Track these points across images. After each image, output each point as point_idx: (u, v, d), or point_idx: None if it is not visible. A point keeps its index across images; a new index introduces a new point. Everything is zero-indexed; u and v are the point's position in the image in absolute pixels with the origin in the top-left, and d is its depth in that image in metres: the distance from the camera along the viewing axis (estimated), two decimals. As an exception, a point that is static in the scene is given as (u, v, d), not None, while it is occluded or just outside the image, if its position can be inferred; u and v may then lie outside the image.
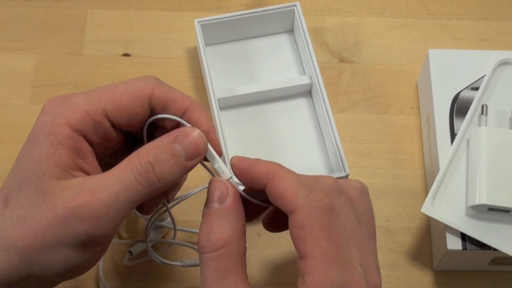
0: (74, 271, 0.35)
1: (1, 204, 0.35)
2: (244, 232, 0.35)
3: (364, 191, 0.37)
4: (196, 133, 0.35)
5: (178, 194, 0.44)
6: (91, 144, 0.36)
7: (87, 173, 0.36)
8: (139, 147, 0.38)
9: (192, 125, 0.37)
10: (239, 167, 0.36)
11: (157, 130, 0.40)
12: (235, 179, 0.36)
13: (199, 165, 0.38)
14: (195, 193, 0.47)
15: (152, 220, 0.44)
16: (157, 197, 0.40)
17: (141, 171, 0.34)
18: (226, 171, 0.36)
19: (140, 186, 0.34)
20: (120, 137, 0.38)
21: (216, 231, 0.34)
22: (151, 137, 0.39)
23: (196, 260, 0.48)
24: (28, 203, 0.34)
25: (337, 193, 0.35)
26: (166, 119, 0.37)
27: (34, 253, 0.33)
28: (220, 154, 0.37)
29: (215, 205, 0.35)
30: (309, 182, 0.35)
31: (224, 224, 0.34)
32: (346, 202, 0.36)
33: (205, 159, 0.37)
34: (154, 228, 0.50)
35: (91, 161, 0.36)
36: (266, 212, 0.39)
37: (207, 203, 0.35)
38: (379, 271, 0.36)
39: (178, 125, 0.37)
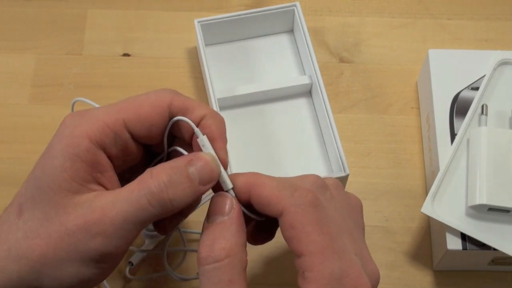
0: (83, 285, 0.35)
1: (15, 213, 0.34)
2: (245, 245, 0.35)
3: (339, 185, 0.38)
4: (211, 158, 0.35)
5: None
6: (109, 157, 0.36)
7: (105, 187, 0.36)
8: (156, 163, 0.38)
9: (204, 131, 0.36)
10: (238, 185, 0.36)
11: (175, 140, 0.39)
12: (232, 193, 0.36)
13: None
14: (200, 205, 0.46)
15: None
16: (176, 218, 0.40)
17: (153, 191, 0.33)
18: (228, 182, 0.36)
19: (151, 207, 0.33)
20: (140, 151, 0.38)
21: (220, 242, 0.33)
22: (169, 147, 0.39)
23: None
24: (42, 215, 0.34)
25: (321, 188, 0.36)
26: (183, 128, 0.37)
27: (45, 266, 0.33)
28: (225, 165, 0.37)
29: (219, 218, 0.34)
30: (291, 183, 0.35)
31: (228, 235, 0.34)
32: (332, 196, 0.36)
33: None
34: (149, 237, 0.50)
35: (110, 175, 0.36)
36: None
37: (210, 216, 0.35)
38: (373, 261, 0.36)
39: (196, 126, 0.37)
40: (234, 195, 0.36)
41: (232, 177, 0.36)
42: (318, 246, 0.33)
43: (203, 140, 0.36)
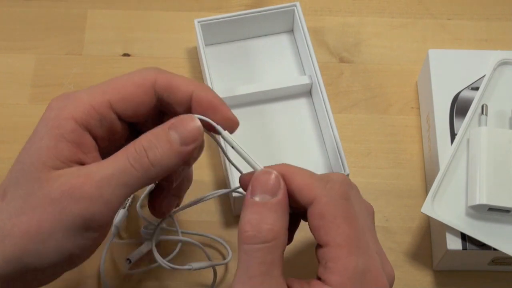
0: (68, 261, 0.35)
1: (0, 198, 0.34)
2: (287, 229, 0.34)
3: (358, 188, 0.38)
4: (191, 118, 0.36)
5: (185, 201, 0.44)
6: (95, 138, 0.36)
7: None
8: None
9: (201, 103, 0.37)
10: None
11: (165, 117, 0.39)
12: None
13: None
14: (203, 201, 0.46)
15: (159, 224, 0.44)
16: (170, 198, 0.41)
17: (135, 156, 0.34)
18: (256, 166, 0.36)
19: (134, 170, 0.34)
20: (125, 130, 0.38)
21: (268, 222, 0.33)
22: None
23: (202, 263, 0.48)
24: (25, 192, 0.34)
25: (349, 185, 0.36)
26: (173, 104, 0.37)
27: (29, 242, 0.33)
28: (235, 122, 0.37)
29: (267, 196, 0.34)
30: (321, 175, 0.35)
31: (276, 217, 0.34)
32: (357, 194, 0.37)
33: (213, 130, 0.37)
34: (147, 236, 0.50)
35: (94, 156, 0.36)
36: None
37: (256, 192, 0.34)
38: (391, 267, 0.36)
39: (188, 109, 0.37)
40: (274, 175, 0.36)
41: (265, 167, 0.36)
42: (346, 238, 0.33)
43: (225, 136, 0.37)
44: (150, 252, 0.51)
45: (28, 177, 0.34)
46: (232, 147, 0.37)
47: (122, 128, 0.38)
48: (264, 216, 0.33)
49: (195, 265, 0.47)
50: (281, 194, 0.34)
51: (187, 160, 0.36)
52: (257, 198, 0.34)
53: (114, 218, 0.50)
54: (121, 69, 0.60)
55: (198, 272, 0.50)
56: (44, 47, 0.61)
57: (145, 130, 0.38)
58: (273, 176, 0.35)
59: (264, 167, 0.36)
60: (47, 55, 0.61)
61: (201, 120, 0.36)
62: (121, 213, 0.51)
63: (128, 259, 0.50)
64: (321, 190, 0.34)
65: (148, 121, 0.39)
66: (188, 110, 0.37)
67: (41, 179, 0.34)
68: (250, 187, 0.35)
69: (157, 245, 0.51)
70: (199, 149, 0.38)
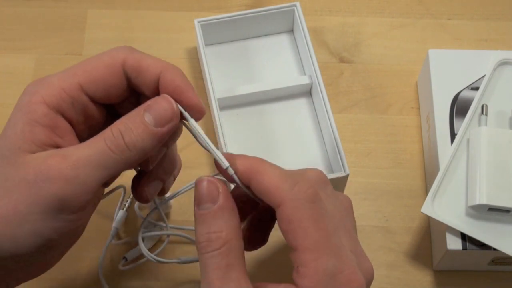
0: (46, 246, 0.35)
1: None
2: (240, 227, 0.35)
3: (326, 180, 0.37)
4: (164, 99, 0.36)
5: (172, 190, 0.44)
6: (70, 121, 0.36)
7: None
8: None
9: (167, 86, 0.37)
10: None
11: (142, 98, 0.39)
12: (231, 171, 0.36)
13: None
14: (184, 191, 0.46)
15: (147, 217, 0.44)
16: (155, 182, 0.41)
17: (112, 138, 0.34)
18: (223, 161, 0.36)
19: (111, 152, 0.34)
20: (102, 113, 0.38)
21: (215, 230, 0.34)
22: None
23: (191, 256, 0.48)
24: (1, 177, 0.34)
25: (323, 184, 0.36)
26: (143, 85, 0.37)
27: (6, 226, 0.33)
28: (201, 109, 0.37)
29: (208, 205, 0.34)
30: (293, 175, 0.35)
31: (221, 222, 0.34)
32: (332, 192, 0.36)
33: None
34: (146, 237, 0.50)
35: (70, 139, 0.36)
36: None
37: (198, 203, 0.35)
38: (368, 258, 0.36)
39: (156, 92, 0.37)
40: (232, 173, 0.36)
41: (236, 158, 0.36)
42: (314, 242, 0.33)
43: (192, 124, 0.36)
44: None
45: (4, 162, 0.34)
46: (196, 138, 0.37)
47: (98, 111, 0.38)
48: (210, 224, 0.34)
49: (183, 258, 0.47)
50: (221, 200, 0.34)
51: (165, 141, 0.36)
52: (201, 209, 0.35)
53: (113, 219, 0.50)
54: (121, 69, 0.60)
55: (196, 269, 0.51)
56: (44, 47, 0.61)
57: (123, 112, 0.38)
58: (206, 183, 0.35)
59: (238, 154, 0.36)
60: (47, 55, 0.61)
61: None
62: (120, 214, 0.51)
63: (124, 257, 0.50)
64: (289, 192, 0.34)
65: (125, 103, 0.39)
66: (156, 92, 0.37)
67: (17, 163, 0.34)
68: (194, 199, 0.35)
69: (161, 239, 0.51)
70: (176, 130, 0.38)
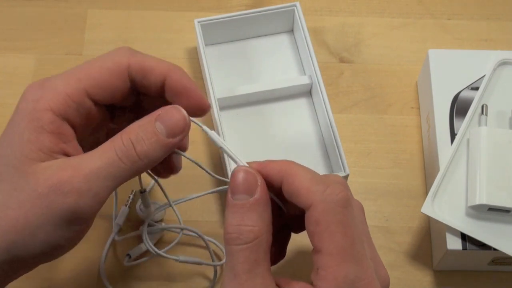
0: (55, 251, 0.35)
1: None
2: (271, 224, 0.35)
3: (347, 186, 0.38)
4: (176, 109, 0.36)
5: (182, 195, 0.44)
6: (73, 126, 0.37)
7: (69, 155, 0.36)
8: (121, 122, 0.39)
9: (173, 87, 0.37)
10: (254, 167, 0.36)
11: (142, 96, 0.40)
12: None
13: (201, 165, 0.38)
14: (197, 197, 0.47)
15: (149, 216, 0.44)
16: (171, 161, 0.41)
17: (123, 148, 0.34)
18: (239, 162, 0.36)
19: (122, 163, 0.34)
20: (102, 113, 0.39)
21: (248, 224, 0.33)
22: (138, 105, 0.39)
23: (190, 257, 0.48)
24: (10, 186, 0.34)
25: (348, 190, 0.36)
26: (147, 84, 0.37)
27: (17, 235, 0.33)
28: (207, 106, 0.37)
29: (244, 196, 0.34)
30: (323, 177, 0.35)
31: (255, 216, 0.34)
32: (353, 197, 0.36)
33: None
34: (148, 232, 0.50)
35: (74, 145, 0.36)
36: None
37: (234, 192, 0.34)
38: (385, 269, 0.36)
39: (162, 92, 0.37)
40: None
41: (267, 162, 0.36)
42: (339, 247, 0.33)
43: (211, 136, 0.37)
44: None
45: (12, 171, 0.34)
46: (215, 143, 0.37)
47: (99, 112, 0.38)
48: (244, 217, 0.34)
49: (182, 257, 0.47)
50: (259, 193, 0.34)
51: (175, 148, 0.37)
52: (236, 199, 0.34)
53: (117, 216, 0.50)
54: (121, 69, 0.60)
55: (201, 270, 0.51)
56: (44, 47, 0.61)
57: (121, 110, 0.38)
58: (247, 174, 0.35)
59: (267, 160, 0.36)
60: (47, 55, 0.61)
61: None
62: (122, 211, 0.51)
63: (128, 254, 0.50)
64: (320, 194, 0.33)
65: (125, 101, 0.39)
66: (162, 92, 0.38)
67: (26, 173, 0.34)
68: (229, 187, 0.35)
69: (161, 240, 0.51)
70: (187, 139, 0.39)
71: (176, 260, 0.47)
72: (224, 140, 0.52)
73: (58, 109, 0.35)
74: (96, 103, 0.37)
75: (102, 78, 0.36)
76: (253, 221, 0.34)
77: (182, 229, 0.49)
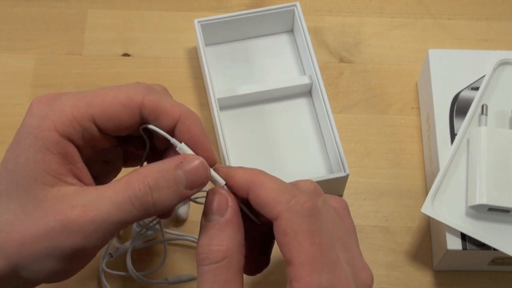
0: (58, 277, 0.36)
1: None
2: (243, 245, 0.34)
3: (319, 191, 0.37)
4: (200, 163, 0.35)
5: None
6: (77, 147, 0.36)
7: (78, 178, 0.36)
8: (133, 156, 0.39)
9: (184, 134, 0.36)
10: (220, 175, 0.36)
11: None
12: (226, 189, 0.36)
13: None
14: (189, 202, 0.47)
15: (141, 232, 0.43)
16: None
17: (138, 194, 0.33)
18: (220, 181, 0.36)
19: (134, 209, 0.33)
20: (107, 140, 0.38)
21: (216, 243, 0.33)
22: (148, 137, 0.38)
23: (180, 276, 0.48)
24: (18, 208, 0.34)
25: (316, 195, 0.35)
26: (159, 126, 0.37)
27: (22, 260, 0.34)
28: (214, 162, 0.37)
29: (215, 217, 0.34)
30: (290, 187, 0.34)
31: (224, 236, 0.34)
32: (325, 202, 0.35)
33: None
34: (138, 236, 0.50)
35: (80, 165, 0.36)
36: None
37: (205, 214, 0.35)
38: (367, 266, 0.35)
39: (172, 131, 0.37)
40: (228, 191, 0.35)
41: (233, 171, 0.36)
42: (308, 257, 0.32)
43: (182, 148, 0.36)
44: (134, 250, 0.50)
45: (21, 192, 0.34)
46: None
47: (104, 138, 0.37)
48: (213, 237, 0.34)
49: (171, 278, 0.47)
50: (229, 213, 0.34)
51: None
52: (207, 220, 0.34)
53: None
54: (121, 69, 0.60)
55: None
56: (44, 47, 0.61)
57: (125, 138, 0.38)
58: (218, 195, 0.35)
59: (236, 166, 0.36)
60: (47, 55, 0.61)
61: (154, 130, 0.36)
62: None
63: (109, 253, 0.49)
64: (286, 205, 0.33)
65: (131, 132, 0.38)
66: (171, 133, 0.37)
67: (35, 198, 0.34)
68: (203, 209, 0.35)
69: (149, 250, 0.51)
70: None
71: (166, 283, 0.46)
72: (224, 142, 0.52)
73: (63, 130, 0.35)
74: (100, 130, 0.37)
75: (112, 109, 0.36)
76: (222, 240, 0.33)
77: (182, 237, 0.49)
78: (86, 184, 0.36)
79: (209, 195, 0.35)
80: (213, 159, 0.37)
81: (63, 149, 0.35)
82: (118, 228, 0.34)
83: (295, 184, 0.36)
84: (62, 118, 0.35)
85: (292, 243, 0.33)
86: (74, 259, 0.34)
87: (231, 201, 0.35)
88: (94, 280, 0.50)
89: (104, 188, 0.34)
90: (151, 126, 0.36)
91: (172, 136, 0.36)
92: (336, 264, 0.33)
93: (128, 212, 0.33)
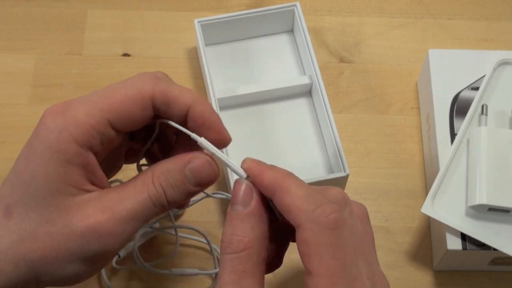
0: (76, 281, 0.36)
1: (1, 214, 0.35)
2: (266, 237, 0.34)
3: (348, 201, 0.36)
4: (206, 161, 0.36)
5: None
6: (95, 153, 0.36)
7: (96, 185, 0.36)
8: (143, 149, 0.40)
9: (197, 119, 0.37)
10: (250, 172, 0.36)
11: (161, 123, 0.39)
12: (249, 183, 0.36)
13: None
14: (196, 202, 0.47)
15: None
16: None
17: (156, 194, 0.36)
18: (241, 173, 0.36)
19: (154, 207, 0.36)
20: (121, 137, 0.38)
21: (238, 234, 0.34)
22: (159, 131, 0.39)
23: (183, 269, 0.48)
24: (40, 217, 0.34)
25: (344, 205, 0.35)
26: (171, 114, 0.37)
27: (46, 266, 0.34)
28: (228, 142, 0.38)
29: (239, 207, 0.34)
30: (317, 195, 0.34)
31: (247, 227, 0.34)
32: (351, 213, 0.35)
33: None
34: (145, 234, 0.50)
35: (100, 174, 0.37)
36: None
37: (231, 203, 0.35)
38: (385, 277, 0.35)
39: (184, 119, 0.37)
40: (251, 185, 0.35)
41: (263, 169, 0.35)
42: (328, 270, 0.32)
43: (202, 143, 0.36)
44: (147, 248, 0.50)
45: (41, 202, 0.34)
46: (207, 150, 0.37)
47: (119, 136, 0.37)
48: (235, 227, 0.34)
49: (175, 271, 0.47)
50: (253, 205, 0.34)
51: None
52: (233, 209, 0.35)
53: None
54: (121, 69, 0.60)
55: (202, 277, 0.51)
56: (44, 47, 0.61)
57: (138, 132, 0.39)
58: (243, 186, 0.35)
59: (269, 165, 0.36)
60: (47, 55, 0.61)
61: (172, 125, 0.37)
62: None
63: (117, 254, 0.49)
64: (310, 215, 0.33)
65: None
66: (184, 121, 0.37)
67: (58, 207, 0.34)
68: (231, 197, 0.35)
69: (154, 243, 0.51)
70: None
71: (169, 274, 0.46)
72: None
73: (82, 140, 0.35)
74: (117, 131, 0.37)
75: (125, 108, 0.36)
76: (244, 231, 0.34)
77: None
78: (102, 188, 0.37)
79: (236, 184, 0.35)
80: (227, 138, 0.38)
81: (84, 160, 0.35)
82: (141, 224, 0.36)
83: (323, 191, 0.35)
84: (79, 128, 0.35)
85: (313, 254, 0.32)
86: (99, 261, 0.36)
87: (255, 192, 0.35)
88: (94, 280, 0.50)
89: (123, 189, 0.36)
90: (171, 122, 0.37)
91: (185, 120, 0.37)
92: (356, 279, 0.32)
93: (151, 210, 0.36)
